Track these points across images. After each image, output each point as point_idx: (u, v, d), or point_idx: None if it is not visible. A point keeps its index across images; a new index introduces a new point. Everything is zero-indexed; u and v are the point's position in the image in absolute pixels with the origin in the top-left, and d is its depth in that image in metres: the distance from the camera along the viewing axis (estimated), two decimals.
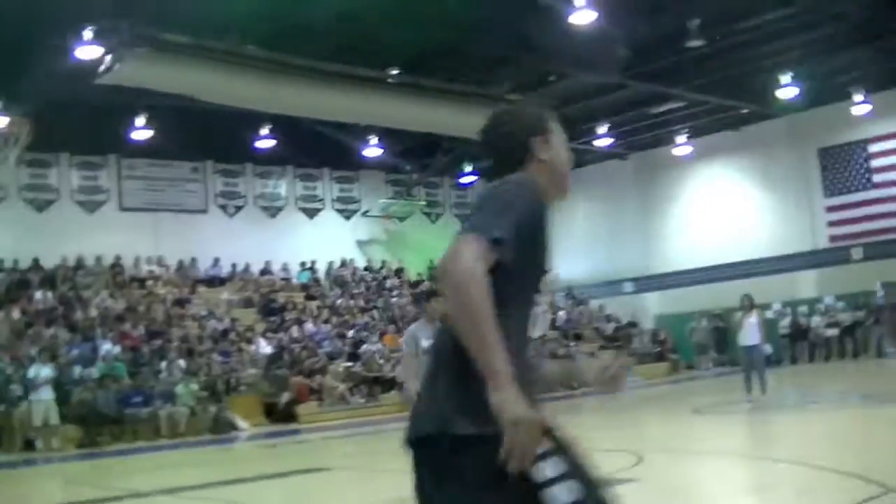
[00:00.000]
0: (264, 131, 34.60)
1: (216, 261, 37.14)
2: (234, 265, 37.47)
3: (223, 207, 38.88)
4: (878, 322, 37.57)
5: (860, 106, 37.50)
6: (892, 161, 38.72)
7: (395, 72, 30.19)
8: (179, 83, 26.63)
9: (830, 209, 40.54)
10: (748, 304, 21.31)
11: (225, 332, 31.70)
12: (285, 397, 28.83)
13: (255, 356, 30.78)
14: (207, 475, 16.84)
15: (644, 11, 27.94)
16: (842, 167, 40.27)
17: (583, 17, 25.55)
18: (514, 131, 4.39)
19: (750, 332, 21.02)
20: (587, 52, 30.05)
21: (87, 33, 23.91)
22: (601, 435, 18.47)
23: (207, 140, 35.60)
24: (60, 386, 25.19)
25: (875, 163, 39.15)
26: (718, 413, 20.37)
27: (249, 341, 31.61)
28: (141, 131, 32.18)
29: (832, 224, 40.45)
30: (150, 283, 34.37)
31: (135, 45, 24.84)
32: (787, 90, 34.39)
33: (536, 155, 4.32)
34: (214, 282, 36.76)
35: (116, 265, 34.61)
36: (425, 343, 10.49)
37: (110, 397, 25.68)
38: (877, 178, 39.09)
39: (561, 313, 42.91)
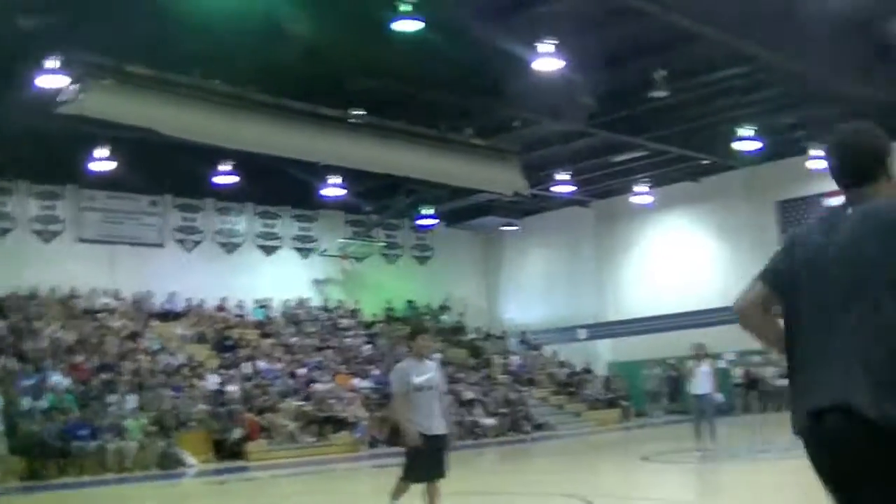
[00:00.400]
0: (225, 167, 34.34)
1: (171, 295, 36.90)
2: (189, 300, 37.20)
3: (181, 242, 38.66)
4: None
5: (816, 161, 37.88)
6: None
7: (358, 112, 30.19)
8: (141, 116, 26.47)
9: None
10: (700, 353, 21.36)
11: (178, 368, 31.44)
12: (237, 433, 28.59)
13: (207, 392, 30.53)
14: None
15: (609, 61, 28.07)
16: (798, 220, 40.59)
17: (548, 64, 25.62)
18: (878, 148, 4.39)
19: (701, 381, 21.08)
20: (552, 99, 30.18)
21: (51, 63, 23.74)
22: (550, 479, 18.45)
23: (167, 174, 35.42)
24: (8, 417, 24.91)
25: None
26: (668, 461, 20.36)
27: (201, 377, 31.37)
28: (101, 162, 31.85)
29: None
30: (103, 315, 34.04)
31: (98, 77, 24.74)
32: (746, 143, 34.67)
33: (890, 173, 4.34)
34: (169, 316, 36.50)
35: (71, 296, 34.28)
36: (417, 380, 10.51)
37: (57, 430, 25.38)
38: None
39: (515, 358, 42.88)
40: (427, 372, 10.65)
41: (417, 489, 10.86)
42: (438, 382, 10.85)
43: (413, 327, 11.60)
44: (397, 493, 10.93)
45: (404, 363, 10.90)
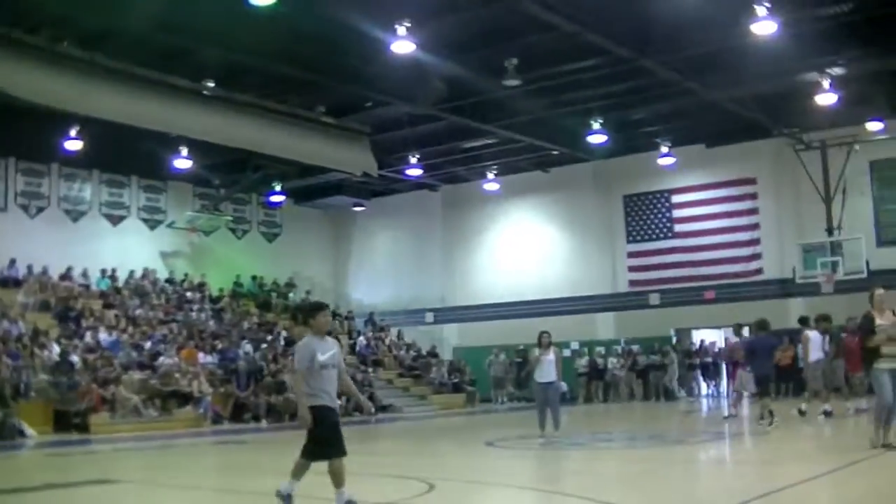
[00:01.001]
0: (73, 132, 33.70)
1: (12, 262, 36.06)
2: (30, 267, 36.38)
3: (24, 207, 37.79)
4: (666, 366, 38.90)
5: (665, 157, 38.72)
6: (692, 213, 40.14)
7: (210, 84, 29.90)
8: None
9: (632, 255, 41.79)
10: (546, 342, 21.58)
11: (18, 336, 30.77)
12: (83, 405, 28.11)
13: (48, 362, 29.95)
14: None
15: (462, 46, 28.26)
16: (645, 215, 41.49)
17: (402, 46, 25.71)
18: None
19: (546, 369, 21.30)
20: (404, 81, 30.33)
21: None
22: (393, 461, 18.55)
23: (12, 136, 34.56)
24: None
25: (677, 213, 40.52)
26: (511, 447, 20.61)
27: (43, 346, 30.74)
28: None
29: (633, 269, 41.67)
30: None
31: None
32: (596, 136, 35.18)
33: None
34: (9, 283, 35.69)
35: None
36: (322, 357, 10.45)
37: None
38: (678, 227, 40.48)
39: (361, 339, 42.91)
40: (330, 349, 10.64)
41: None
42: (339, 360, 10.82)
43: (312, 304, 11.39)
44: (298, 471, 10.77)
45: (308, 340, 10.78)
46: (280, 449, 22.60)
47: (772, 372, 24.09)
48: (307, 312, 11.30)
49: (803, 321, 24.70)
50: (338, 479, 10.51)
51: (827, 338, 24.12)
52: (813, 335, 23.92)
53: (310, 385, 10.53)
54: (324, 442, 10.51)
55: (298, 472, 10.74)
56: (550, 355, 21.42)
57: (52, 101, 28.25)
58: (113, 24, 25.66)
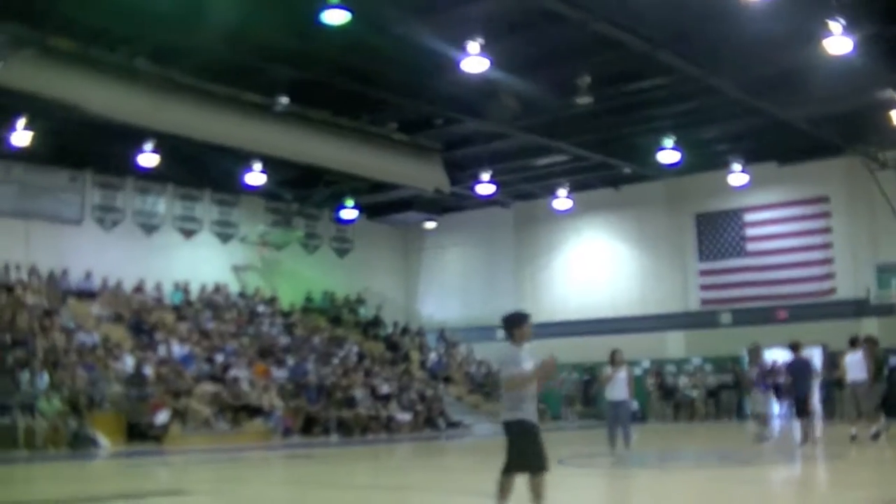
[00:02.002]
0: (147, 147, 34.07)
1: (88, 274, 36.52)
2: (105, 279, 36.84)
3: (100, 220, 38.23)
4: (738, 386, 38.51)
5: (738, 175, 38.38)
6: (765, 231, 39.79)
7: (282, 101, 30.13)
8: (64, 90, 26.24)
9: (703, 273, 41.48)
10: (618, 360, 21.50)
11: (92, 347, 31.16)
12: (162, 418, 28.35)
13: (121, 374, 30.30)
14: (63, 491, 16.56)
15: (535, 64, 28.28)
16: (717, 233, 41.19)
17: (474, 64, 25.71)
18: None
19: (618, 387, 21.22)
20: (476, 99, 30.39)
21: None
22: (462, 478, 18.55)
23: (88, 150, 35.10)
24: None
25: (749, 232, 40.20)
26: (580, 465, 20.54)
27: (116, 358, 31.10)
28: (20, 134, 31.47)
29: (704, 288, 41.38)
30: (18, 291, 33.60)
31: (20, 47, 24.46)
32: (667, 154, 34.96)
33: None
34: (84, 295, 36.13)
35: None
36: (526, 366, 10.47)
37: None
38: (750, 246, 40.13)
39: (432, 355, 42.95)
40: (530, 359, 10.67)
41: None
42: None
43: (517, 314, 11.29)
44: (504, 493, 10.56)
45: (510, 349, 10.91)
46: (349, 463, 22.70)
47: (810, 392, 24.17)
48: (511, 321, 11.27)
49: (852, 342, 24.41)
50: (537, 494, 10.42)
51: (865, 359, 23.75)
52: (849, 357, 23.69)
53: (510, 398, 10.67)
54: (527, 455, 10.50)
55: (504, 493, 10.55)
56: (622, 373, 21.33)
57: (127, 117, 28.63)
58: (187, 41, 25.93)
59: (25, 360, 28.39)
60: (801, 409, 23.03)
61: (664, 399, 40.49)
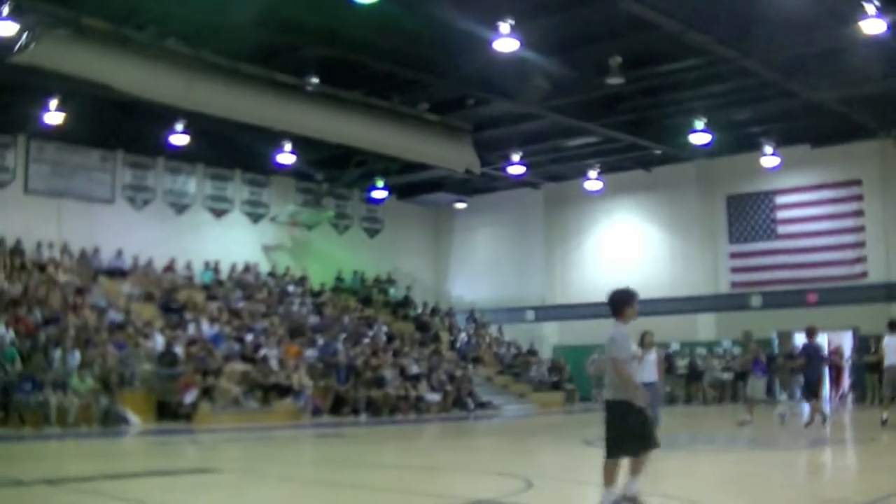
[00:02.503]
0: (178, 127, 34.20)
1: (119, 252, 36.71)
2: (136, 258, 37.02)
3: (131, 199, 38.43)
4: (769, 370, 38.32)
5: (769, 158, 38.16)
6: (796, 214, 39.59)
7: (313, 80, 30.11)
8: (96, 70, 26.32)
9: (734, 255, 41.35)
10: (648, 341, 21.45)
11: (122, 325, 31.30)
12: (191, 396, 28.47)
13: (152, 352, 30.43)
14: (93, 468, 16.65)
15: (565, 45, 28.20)
16: (748, 216, 41.02)
17: (504, 44, 25.62)
18: None
19: (648, 369, 21.15)
20: (507, 79, 30.31)
21: (5, 9, 23.44)
22: (492, 458, 18.57)
23: (119, 130, 35.28)
24: None
25: (780, 214, 40.01)
26: None
27: (147, 336, 31.24)
28: (53, 114, 31.65)
29: (734, 270, 41.24)
30: (50, 269, 33.79)
31: (53, 26, 24.53)
32: (699, 136, 34.74)
33: None
34: (116, 273, 36.32)
35: (17, 249, 34.00)
36: (634, 348, 10.45)
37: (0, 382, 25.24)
38: (781, 229, 39.96)
39: (462, 335, 42.96)
40: (633, 341, 10.64)
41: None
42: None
43: (625, 292, 11.10)
44: (611, 478, 10.20)
45: (620, 329, 10.77)
46: (378, 443, 22.75)
47: (822, 376, 24.15)
48: (621, 300, 11.09)
49: (891, 325, 24.24)
50: (637, 469, 10.27)
51: None
52: (887, 339, 23.57)
53: (613, 377, 10.38)
54: (633, 436, 10.20)
55: (612, 477, 10.21)
56: (652, 355, 21.29)
57: (158, 96, 28.71)
58: (218, 20, 25.95)
59: (58, 338, 28.55)
60: (813, 392, 23.13)
61: (693, 381, 40.36)
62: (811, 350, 23.65)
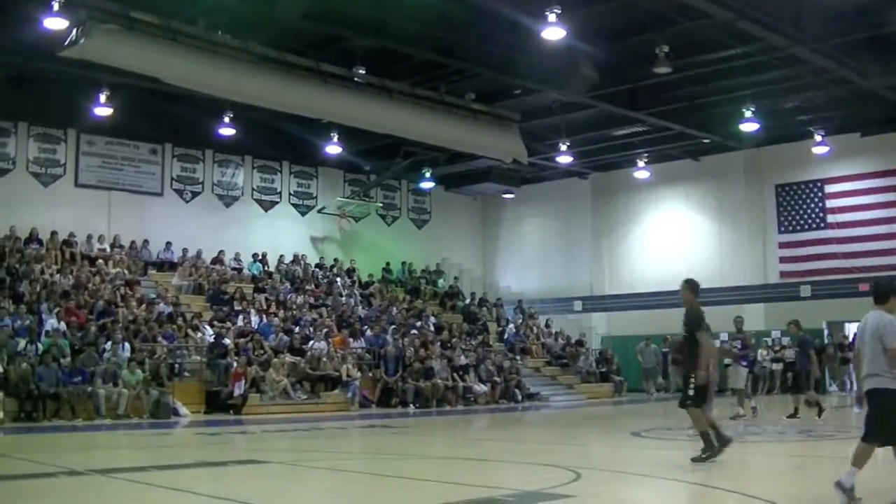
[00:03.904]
0: (226, 119, 34.40)
1: (168, 245, 36.97)
2: (185, 251, 37.25)
3: (179, 192, 38.66)
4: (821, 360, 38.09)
5: (819, 146, 37.81)
6: (847, 203, 39.22)
7: (360, 71, 30.15)
8: (145, 63, 26.45)
9: (783, 245, 41.03)
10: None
11: (171, 317, 31.50)
12: (240, 388, 28.61)
13: (201, 344, 30.61)
14: (144, 458, 16.76)
15: (613, 34, 28.12)
16: (797, 205, 40.69)
17: (552, 33, 25.47)
18: None
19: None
20: (554, 69, 30.18)
21: (55, 5, 23.61)
22: (540, 449, 18.54)
23: (168, 123, 35.63)
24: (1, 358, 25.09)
25: (830, 203, 39.64)
26: (658, 437, 20.44)
27: (196, 328, 31.43)
28: (103, 108, 31.89)
29: (784, 260, 40.90)
30: (100, 261, 34.07)
31: (102, 21, 24.67)
32: (748, 124, 34.46)
33: None
34: (165, 266, 36.60)
35: (68, 241, 34.28)
36: None
37: (51, 373, 25.46)
38: (830, 218, 39.59)
39: (510, 326, 42.89)
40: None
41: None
42: None
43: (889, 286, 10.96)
44: (862, 461, 10.04)
45: (891, 318, 10.38)
46: (427, 434, 22.78)
47: (810, 367, 24.54)
48: (888, 287, 10.86)
49: None
50: (862, 461, 10.07)
51: None
52: None
53: (881, 364, 10.11)
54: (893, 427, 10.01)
55: (861, 460, 10.06)
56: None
57: (207, 89, 28.85)
58: (266, 12, 26.05)
59: (108, 331, 28.78)
60: (801, 384, 23.11)
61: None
62: (802, 342, 23.51)
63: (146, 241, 36.67)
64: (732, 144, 39.52)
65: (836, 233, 39.57)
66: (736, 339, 25.58)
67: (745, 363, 24.41)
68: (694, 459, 14.21)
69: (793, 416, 23.40)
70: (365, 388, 32.36)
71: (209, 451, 18.78)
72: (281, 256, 40.55)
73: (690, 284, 15.14)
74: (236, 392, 28.52)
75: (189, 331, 31.17)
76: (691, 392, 14.54)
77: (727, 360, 25.54)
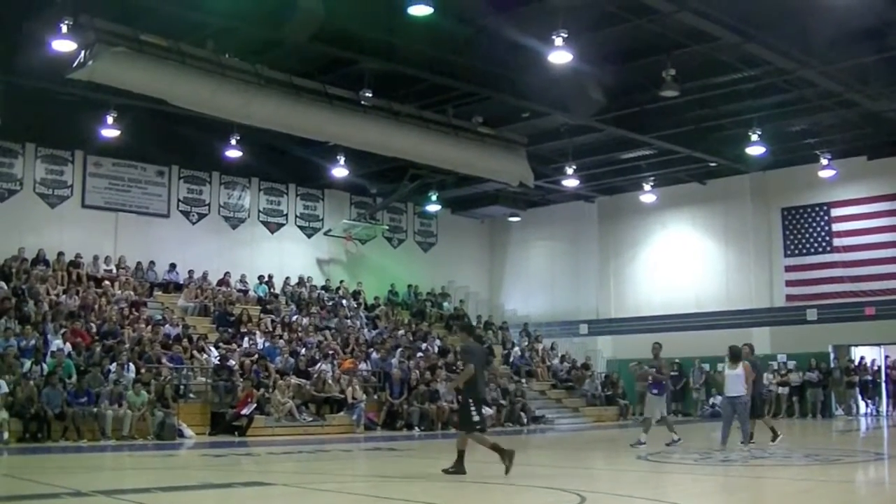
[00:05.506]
0: (233, 141, 34.45)
1: (173, 266, 37.04)
2: (191, 272, 37.30)
3: (186, 214, 38.74)
4: (825, 384, 38.10)
5: (826, 170, 37.81)
6: (853, 226, 39.17)
7: (368, 94, 30.21)
8: (152, 85, 26.50)
9: (789, 269, 40.97)
10: (734, 356, 21.54)
11: (177, 339, 31.50)
12: (245, 409, 28.59)
13: (206, 365, 30.63)
14: (149, 480, 16.75)
15: (620, 57, 28.17)
16: (803, 228, 40.65)
17: (559, 57, 25.44)
18: None
19: (732, 383, 21.24)
20: (561, 92, 30.22)
21: (64, 26, 23.66)
22: (545, 472, 18.48)
23: (175, 145, 35.65)
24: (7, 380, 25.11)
25: (836, 227, 39.60)
26: (663, 461, 20.38)
27: (202, 350, 31.44)
28: (110, 130, 31.93)
29: (790, 283, 40.82)
30: (106, 283, 34.11)
31: (111, 43, 24.73)
32: (755, 148, 34.44)
33: None
34: (171, 287, 36.66)
35: (75, 262, 34.33)
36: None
37: (57, 394, 25.46)
38: (837, 241, 39.55)
39: (515, 349, 42.84)
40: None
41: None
42: None
43: None
44: None
45: None
46: (432, 456, 22.71)
47: (763, 392, 24.96)
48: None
49: None
50: None
51: None
52: None
53: None
54: None
55: None
56: (738, 370, 21.28)
57: (215, 111, 28.88)
58: (274, 35, 26.10)
59: (114, 352, 28.80)
60: (759, 410, 23.16)
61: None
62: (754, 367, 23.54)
63: (152, 263, 36.74)
64: (739, 168, 39.54)
65: (843, 256, 39.52)
66: (652, 367, 25.27)
67: (655, 391, 24.15)
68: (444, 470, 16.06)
69: (774, 438, 23.36)
70: (370, 410, 32.36)
71: (214, 473, 18.74)
72: (287, 278, 40.58)
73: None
74: (241, 413, 28.49)
75: (195, 352, 31.19)
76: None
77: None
